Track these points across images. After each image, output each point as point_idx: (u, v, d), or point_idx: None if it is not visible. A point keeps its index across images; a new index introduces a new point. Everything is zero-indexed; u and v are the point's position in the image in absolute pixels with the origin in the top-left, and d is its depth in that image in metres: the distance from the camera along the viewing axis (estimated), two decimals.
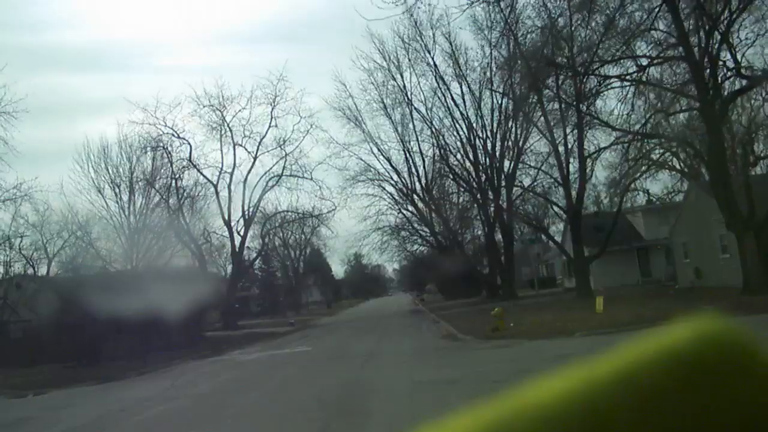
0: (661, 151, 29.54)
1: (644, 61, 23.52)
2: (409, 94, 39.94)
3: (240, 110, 50.62)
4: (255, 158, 39.66)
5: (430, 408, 8.12)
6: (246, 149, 40.02)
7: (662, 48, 23.00)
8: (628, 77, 24.34)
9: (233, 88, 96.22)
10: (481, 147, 39.11)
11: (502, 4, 30.41)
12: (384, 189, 43.55)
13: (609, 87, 25.97)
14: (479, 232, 48.58)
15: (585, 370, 0.47)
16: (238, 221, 40.54)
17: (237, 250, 40.70)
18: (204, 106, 38.71)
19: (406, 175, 42.53)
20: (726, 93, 21.77)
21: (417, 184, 42.70)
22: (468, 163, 40.02)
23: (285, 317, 48.48)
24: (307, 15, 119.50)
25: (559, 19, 27.77)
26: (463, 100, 38.65)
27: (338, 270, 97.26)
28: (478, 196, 40.57)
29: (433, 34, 38.66)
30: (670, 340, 0.47)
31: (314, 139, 59.58)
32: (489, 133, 38.55)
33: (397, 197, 44.18)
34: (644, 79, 24.00)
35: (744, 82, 21.84)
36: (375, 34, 52.91)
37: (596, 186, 36.10)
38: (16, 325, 28.04)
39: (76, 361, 21.63)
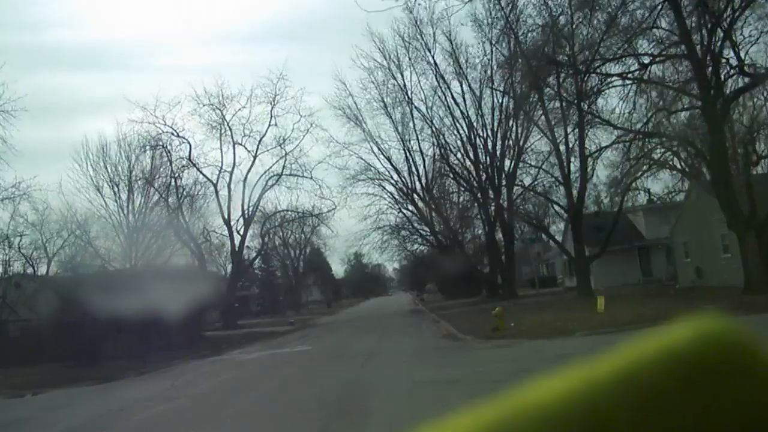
0: (662, 150, 29.48)
1: (646, 59, 23.44)
2: (409, 92, 39.92)
3: (240, 109, 50.50)
4: (255, 157, 39.69)
5: (430, 408, 8.06)
6: (246, 148, 40.03)
7: (664, 46, 22.91)
8: (629, 75, 24.27)
9: (233, 88, 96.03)
10: (481, 146, 39.06)
11: (503, 2, 30.38)
12: (384, 188, 43.54)
13: (610, 85, 25.92)
14: (479, 232, 48.57)
15: (585, 370, 0.47)
16: (237, 220, 40.58)
17: (237, 249, 40.66)
18: (204, 105, 38.73)
19: (406, 175, 42.52)
20: (728, 91, 21.68)
21: (417, 183, 42.70)
22: (468, 162, 40.01)
23: (285, 317, 48.42)
24: (307, 15, 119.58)
25: (560, 17, 27.74)
26: (464, 98, 38.63)
27: (338, 269, 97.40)
28: (479, 195, 40.50)
29: (434, 33, 38.77)
30: (670, 339, 0.47)
31: (314, 138, 59.42)
32: (489, 132, 38.51)
33: (397, 196, 44.16)
34: (646, 77, 23.92)
35: (746, 80, 21.74)
36: (375, 33, 53.03)
37: (596, 185, 36.09)
38: (15, 325, 27.98)
39: (74, 360, 21.55)
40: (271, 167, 40.20)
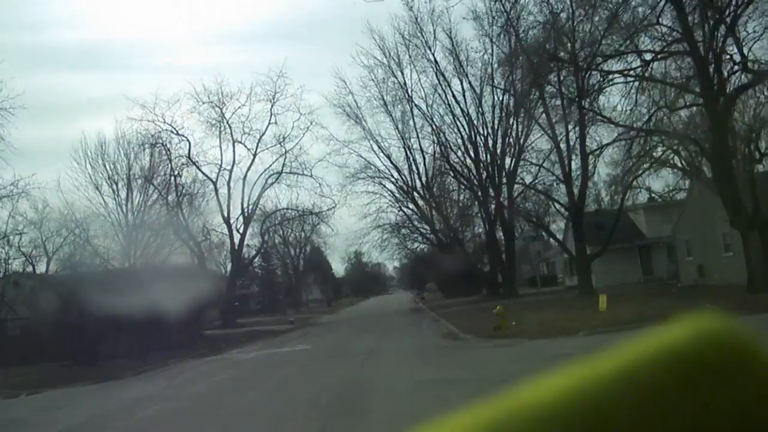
0: (664, 148, 29.32)
1: (648, 56, 23.33)
2: (409, 90, 39.78)
3: (239, 107, 50.56)
4: (254, 155, 39.57)
5: (430, 407, 7.94)
6: (245, 146, 39.91)
7: (666, 42, 22.75)
8: (631, 72, 24.13)
9: (233, 86, 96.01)
10: (482, 144, 38.95)
11: None
12: (384, 186, 43.40)
13: (612, 83, 25.79)
14: (480, 230, 48.43)
15: (586, 369, 0.47)
16: (237, 218, 40.45)
17: (236, 247, 40.55)
18: (203, 103, 38.56)
19: (406, 173, 42.39)
20: (731, 89, 21.53)
21: (417, 181, 42.57)
22: (469, 160, 39.91)
23: (285, 315, 48.33)
24: (307, 15, 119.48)
25: (562, 14, 27.58)
26: (464, 96, 38.49)
27: (338, 268, 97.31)
28: (479, 193, 40.37)
29: (434, 30, 38.51)
30: (670, 338, 0.47)
31: (314, 136, 59.16)
32: (490, 130, 38.38)
33: (397, 195, 44.03)
34: (647, 74, 23.78)
35: (749, 77, 21.58)
36: (375, 30, 53.09)
37: (597, 183, 35.93)
38: (13, 323, 27.83)
39: (73, 359, 21.44)
40: (270, 165, 40.16)
